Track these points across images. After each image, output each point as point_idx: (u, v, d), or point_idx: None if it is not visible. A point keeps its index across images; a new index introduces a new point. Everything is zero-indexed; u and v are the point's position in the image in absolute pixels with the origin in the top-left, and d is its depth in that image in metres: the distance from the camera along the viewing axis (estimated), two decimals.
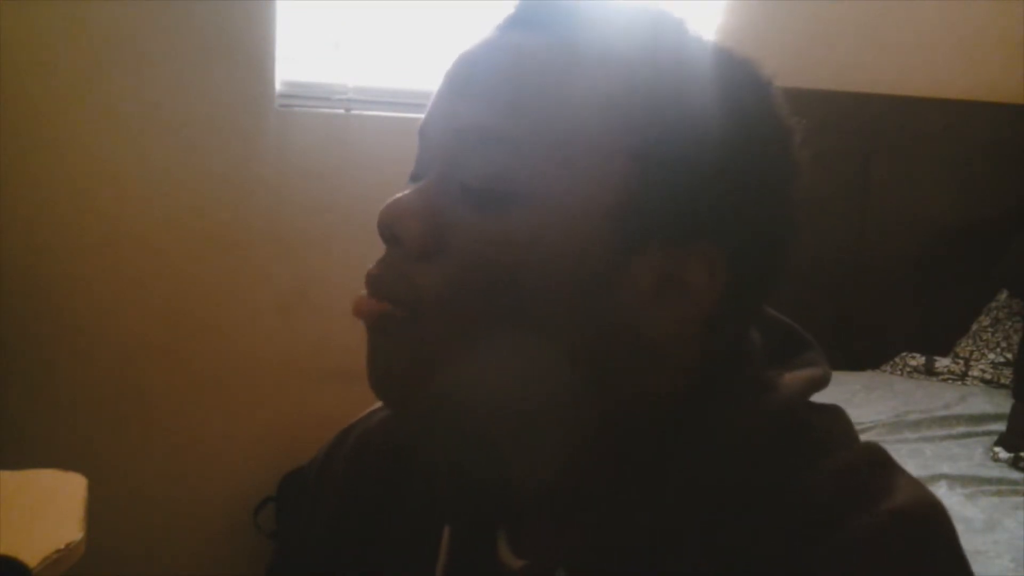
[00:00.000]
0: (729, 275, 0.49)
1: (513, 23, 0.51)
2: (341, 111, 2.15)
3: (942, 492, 1.68)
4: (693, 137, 0.48)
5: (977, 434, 1.94)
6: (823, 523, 0.46)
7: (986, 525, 1.54)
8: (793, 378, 0.52)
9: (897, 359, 2.40)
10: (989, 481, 1.72)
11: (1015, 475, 1.76)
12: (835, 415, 0.53)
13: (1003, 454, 1.82)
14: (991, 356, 2.32)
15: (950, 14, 2.45)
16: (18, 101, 1.91)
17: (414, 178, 0.53)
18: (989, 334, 2.38)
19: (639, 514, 0.49)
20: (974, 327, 2.43)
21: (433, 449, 0.57)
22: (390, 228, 0.50)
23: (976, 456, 1.84)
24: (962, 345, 2.41)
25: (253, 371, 2.12)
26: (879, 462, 0.50)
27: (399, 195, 0.51)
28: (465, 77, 0.51)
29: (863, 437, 0.53)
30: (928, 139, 2.46)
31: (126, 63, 1.97)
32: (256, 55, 2.05)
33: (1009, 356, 2.28)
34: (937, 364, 2.34)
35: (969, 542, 1.44)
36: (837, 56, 2.41)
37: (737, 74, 0.51)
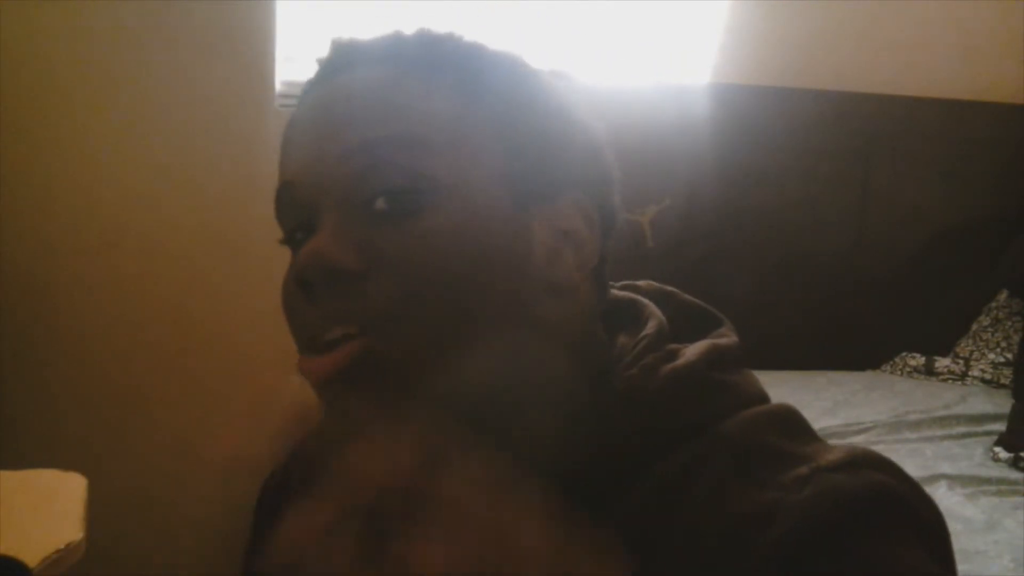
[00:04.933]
0: (601, 222, 0.56)
1: (335, 69, 0.57)
2: None
3: (942, 492, 1.67)
4: (536, 116, 0.55)
5: (977, 434, 1.94)
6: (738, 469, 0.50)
7: (986, 525, 1.54)
8: (695, 348, 0.56)
9: (897, 359, 2.40)
10: (989, 481, 1.72)
11: (1015, 475, 1.76)
12: (743, 377, 0.58)
13: (1003, 454, 1.82)
14: (991, 356, 2.32)
15: (950, 14, 2.45)
16: (18, 101, 1.90)
17: (295, 232, 0.55)
18: (989, 334, 2.38)
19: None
20: (974, 327, 2.43)
21: None
22: (323, 263, 0.50)
23: (976, 456, 1.84)
24: (962, 345, 2.41)
25: (253, 371, 2.12)
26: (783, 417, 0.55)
27: (306, 245, 0.51)
28: (330, 115, 0.55)
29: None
30: (928, 139, 2.46)
31: (126, 63, 1.97)
32: (256, 55, 2.04)
33: (1009, 356, 2.28)
34: (937, 364, 2.34)
35: (969, 542, 1.44)
36: (837, 56, 2.41)
37: (530, 68, 0.59)
